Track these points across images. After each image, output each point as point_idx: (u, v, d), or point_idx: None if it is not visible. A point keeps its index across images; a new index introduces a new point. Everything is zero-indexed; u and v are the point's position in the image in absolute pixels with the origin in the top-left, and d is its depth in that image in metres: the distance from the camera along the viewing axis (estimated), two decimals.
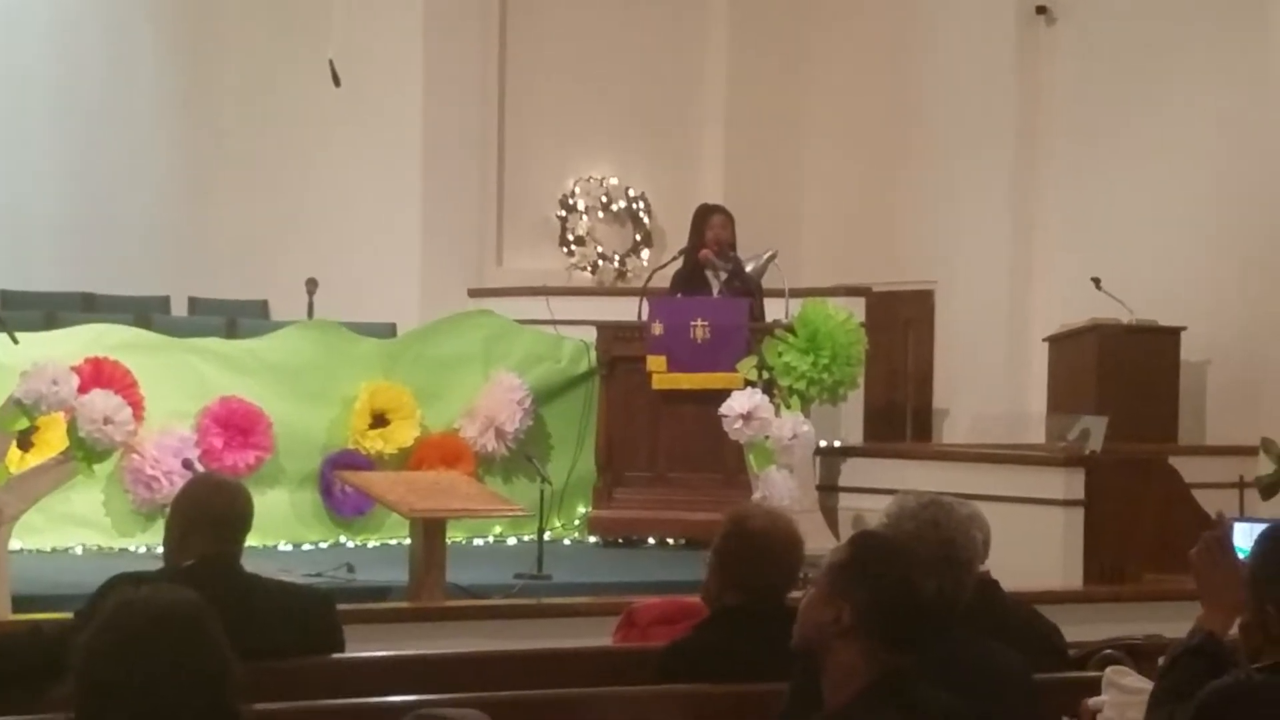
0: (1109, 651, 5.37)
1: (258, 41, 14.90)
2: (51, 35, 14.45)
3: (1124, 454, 10.99)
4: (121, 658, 3.26)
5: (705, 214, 11.94)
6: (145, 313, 12.57)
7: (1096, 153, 13.83)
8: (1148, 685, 4.33)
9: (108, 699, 3.24)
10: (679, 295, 11.69)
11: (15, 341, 8.92)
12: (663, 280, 12.06)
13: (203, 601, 3.38)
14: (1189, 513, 10.00)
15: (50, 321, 11.52)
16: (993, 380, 14.05)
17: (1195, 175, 13.11)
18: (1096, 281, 12.58)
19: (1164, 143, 13.35)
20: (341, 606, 5.85)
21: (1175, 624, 4.82)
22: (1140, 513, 10.45)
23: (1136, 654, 5.28)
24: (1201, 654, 4.09)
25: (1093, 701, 4.75)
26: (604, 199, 15.50)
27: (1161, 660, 4.20)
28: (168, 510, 5.64)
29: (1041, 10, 14.20)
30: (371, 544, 10.85)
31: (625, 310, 12.10)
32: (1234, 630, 4.17)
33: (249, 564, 5.43)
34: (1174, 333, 12.54)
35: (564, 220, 15.46)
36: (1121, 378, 12.24)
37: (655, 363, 11.29)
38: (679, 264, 11.89)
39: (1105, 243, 13.47)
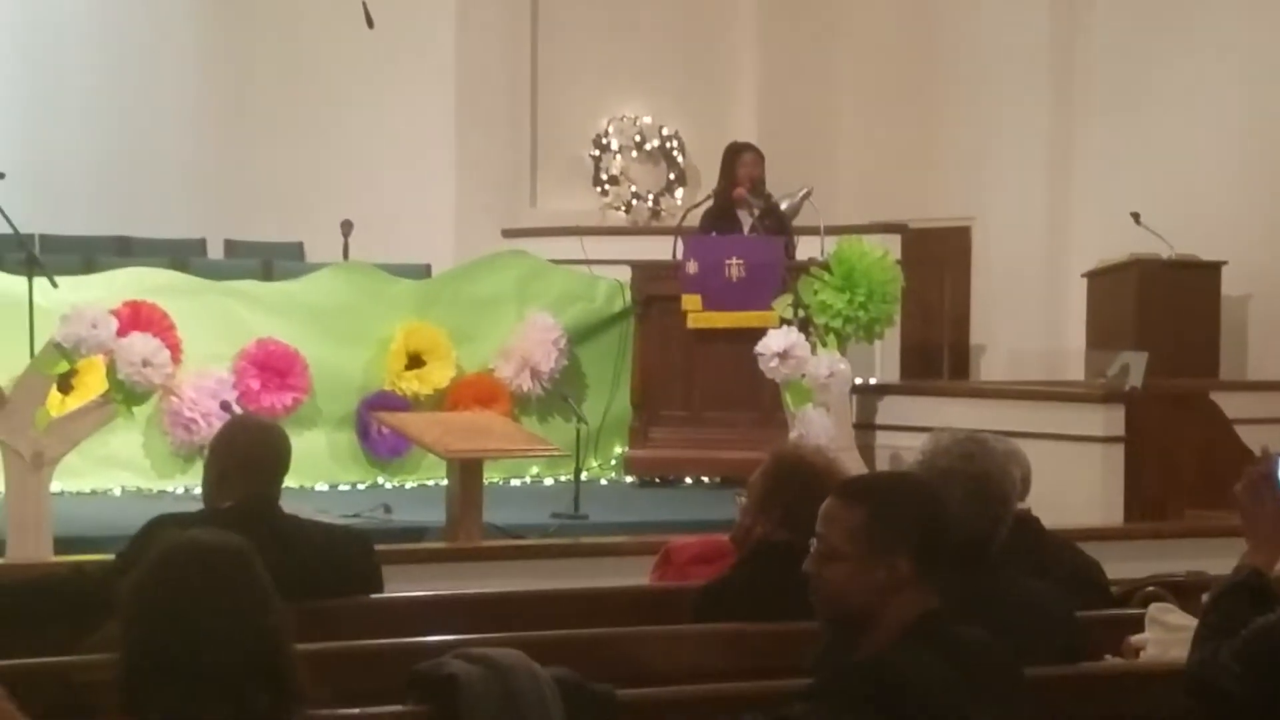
0: (1151, 588, 5.33)
1: None
2: None
3: (1164, 389, 10.94)
4: (169, 599, 3.26)
5: (735, 152, 11.88)
6: (181, 256, 12.56)
7: (1134, 87, 13.72)
8: (1191, 622, 4.30)
9: (155, 640, 3.24)
10: (713, 234, 11.64)
11: (54, 285, 8.92)
12: (696, 219, 12.01)
13: (248, 543, 3.38)
14: (1231, 448, 9.93)
15: (87, 265, 11.54)
16: (1030, 317, 13.99)
17: (1233, 109, 13.01)
18: (1136, 216, 12.50)
19: (1201, 76, 13.25)
20: (379, 547, 5.86)
21: (1218, 560, 4.79)
22: (1181, 449, 10.40)
23: (1179, 591, 5.24)
24: (1247, 590, 4.05)
25: (1136, 639, 4.74)
26: (637, 138, 15.44)
27: (1205, 597, 4.17)
28: (206, 452, 5.64)
29: None
30: (409, 485, 10.85)
31: (659, 250, 12.04)
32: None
33: (287, 505, 5.45)
34: (1215, 267, 12.45)
35: (597, 160, 15.42)
36: (1162, 313, 12.16)
37: (690, 301, 11.24)
38: (712, 204, 11.85)
39: (1144, 177, 13.38)
